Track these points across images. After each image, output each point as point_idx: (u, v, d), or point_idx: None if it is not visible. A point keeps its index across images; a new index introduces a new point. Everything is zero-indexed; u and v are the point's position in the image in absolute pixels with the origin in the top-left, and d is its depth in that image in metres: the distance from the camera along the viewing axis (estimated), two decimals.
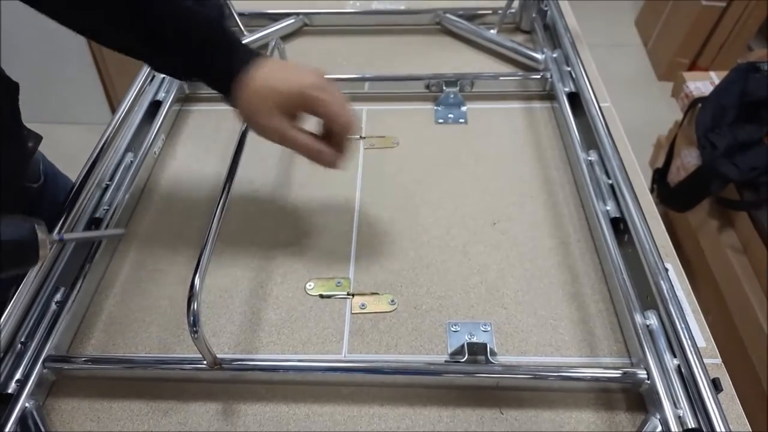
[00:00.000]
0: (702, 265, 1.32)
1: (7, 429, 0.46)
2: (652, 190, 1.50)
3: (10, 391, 0.49)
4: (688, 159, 1.38)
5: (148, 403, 0.51)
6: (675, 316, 0.47)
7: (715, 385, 0.44)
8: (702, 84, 1.43)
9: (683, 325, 0.47)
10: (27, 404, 0.48)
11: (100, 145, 0.65)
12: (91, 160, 0.63)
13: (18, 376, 0.50)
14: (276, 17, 0.94)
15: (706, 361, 0.46)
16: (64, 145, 1.96)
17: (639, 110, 2.03)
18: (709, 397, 0.43)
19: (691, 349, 0.45)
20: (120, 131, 0.69)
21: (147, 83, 0.76)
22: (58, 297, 0.56)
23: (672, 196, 1.41)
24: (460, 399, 0.50)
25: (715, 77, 1.43)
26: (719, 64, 2.05)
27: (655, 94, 2.17)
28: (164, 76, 0.81)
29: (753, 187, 1.19)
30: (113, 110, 2.00)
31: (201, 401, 0.51)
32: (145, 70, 0.76)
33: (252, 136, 0.55)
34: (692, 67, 2.14)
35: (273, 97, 0.49)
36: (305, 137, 0.51)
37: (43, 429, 0.47)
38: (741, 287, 1.18)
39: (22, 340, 0.52)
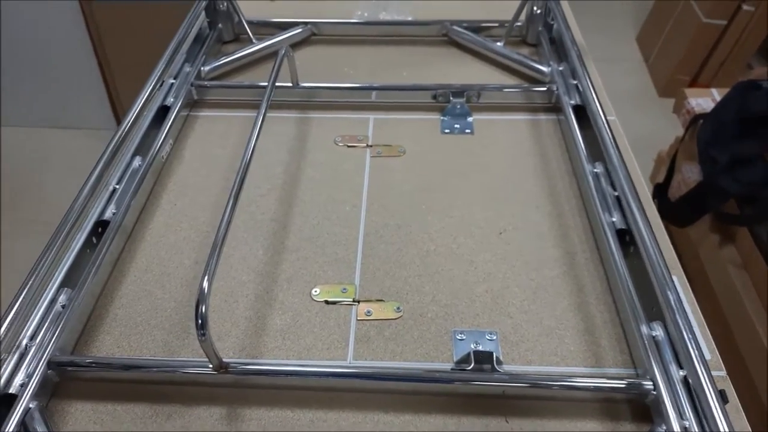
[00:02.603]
0: (702, 280, 1.32)
1: (9, 430, 0.46)
2: None
3: (13, 391, 0.49)
4: (689, 174, 1.39)
5: (151, 407, 0.50)
6: (683, 327, 0.47)
7: (723, 397, 0.44)
8: (704, 100, 1.44)
9: (691, 336, 0.47)
10: (30, 405, 0.48)
11: (109, 149, 0.65)
12: (100, 164, 0.64)
13: (22, 376, 0.50)
14: (284, 26, 0.95)
15: (711, 373, 0.47)
16: (67, 150, 1.97)
17: (639, 125, 2.04)
18: (716, 409, 0.43)
19: (699, 360, 0.45)
20: (128, 135, 0.69)
21: (156, 89, 0.76)
22: (63, 299, 0.56)
23: (673, 211, 1.41)
24: (466, 407, 0.50)
25: (717, 94, 1.44)
26: (719, 82, 2.07)
27: (655, 110, 2.18)
28: (173, 81, 0.81)
29: (753, 203, 1.20)
30: (117, 115, 2.02)
31: (204, 405, 0.51)
32: (155, 75, 0.77)
33: (260, 144, 0.55)
34: (692, 84, 2.16)
35: None
36: None
37: (46, 430, 0.47)
38: (741, 302, 1.18)
39: (27, 341, 0.52)
